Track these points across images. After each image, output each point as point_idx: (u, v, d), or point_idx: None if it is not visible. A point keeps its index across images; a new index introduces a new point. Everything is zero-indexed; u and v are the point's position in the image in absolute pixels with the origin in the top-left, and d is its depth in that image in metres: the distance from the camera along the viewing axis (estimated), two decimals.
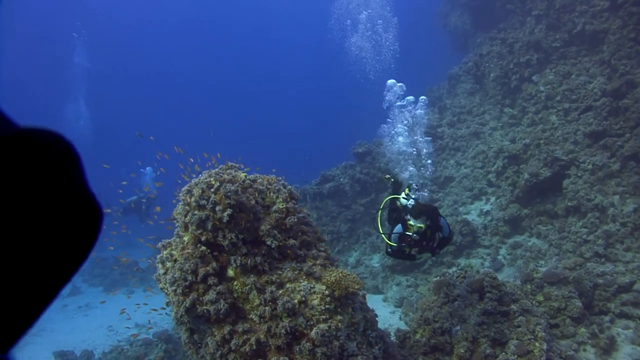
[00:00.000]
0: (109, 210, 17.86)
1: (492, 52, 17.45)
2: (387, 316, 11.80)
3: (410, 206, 6.23)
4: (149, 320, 14.13)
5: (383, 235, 6.48)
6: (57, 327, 18.22)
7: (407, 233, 6.02)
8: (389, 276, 13.79)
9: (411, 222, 5.88)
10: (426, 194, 7.20)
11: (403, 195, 6.94)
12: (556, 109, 14.35)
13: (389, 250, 6.44)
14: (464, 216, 13.98)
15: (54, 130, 0.66)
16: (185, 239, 4.83)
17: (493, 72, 17.15)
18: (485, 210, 14.09)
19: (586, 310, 9.29)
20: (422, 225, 5.80)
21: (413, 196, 6.71)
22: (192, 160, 5.84)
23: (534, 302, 8.97)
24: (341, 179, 16.98)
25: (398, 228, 6.22)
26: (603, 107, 12.58)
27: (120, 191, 15.45)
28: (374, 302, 13.47)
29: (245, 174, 5.17)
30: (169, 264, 4.80)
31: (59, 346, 14.78)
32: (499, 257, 12.44)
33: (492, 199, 14.34)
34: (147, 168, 19.34)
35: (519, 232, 12.93)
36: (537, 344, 7.17)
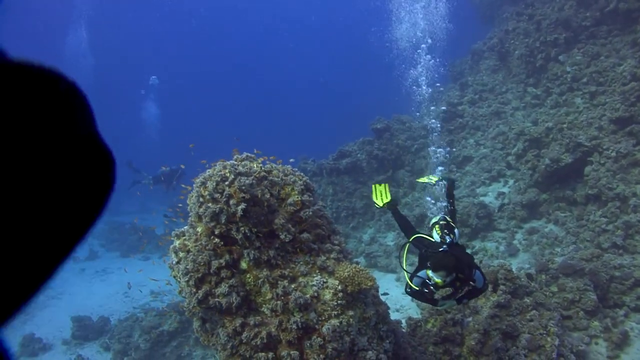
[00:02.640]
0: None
1: (518, 29, 16.91)
2: (400, 297, 11.81)
3: (432, 255, 5.11)
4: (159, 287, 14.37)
5: (405, 272, 5.55)
6: (76, 291, 18.67)
7: (428, 282, 5.09)
8: (402, 255, 13.77)
9: (429, 273, 4.93)
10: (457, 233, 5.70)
11: (435, 232, 5.65)
12: (582, 91, 13.94)
13: (408, 290, 5.49)
14: (481, 198, 13.82)
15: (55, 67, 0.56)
16: (199, 230, 4.81)
17: (518, 50, 16.67)
18: (503, 193, 13.89)
19: (601, 302, 9.19)
20: (438, 281, 4.82)
21: (448, 239, 5.41)
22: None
23: (547, 293, 8.90)
24: (358, 155, 16.86)
25: (423, 273, 5.20)
26: (632, 91, 12.16)
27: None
28: (387, 281, 13.52)
29: (261, 165, 5.09)
30: (182, 254, 4.80)
31: (76, 310, 15.15)
32: (515, 242, 12.32)
33: (511, 181, 14.13)
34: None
35: (536, 217, 12.76)
36: (549, 339, 7.13)
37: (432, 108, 16.00)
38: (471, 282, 5.05)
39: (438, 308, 5.43)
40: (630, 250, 10.27)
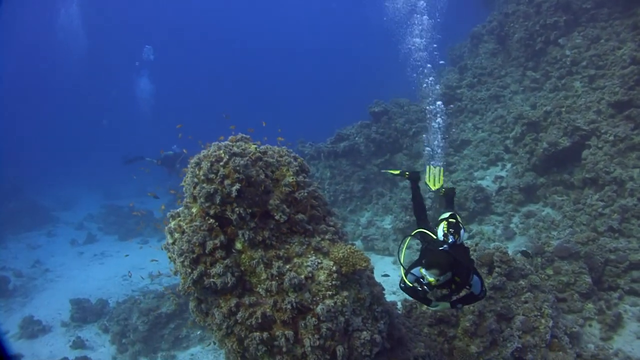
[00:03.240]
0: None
1: (518, 12, 16.78)
2: (396, 279, 11.87)
3: (429, 252, 4.96)
4: (159, 272, 14.44)
5: (402, 267, 5.23)
6: (74, 274, 18.75)
7: (422, 280, 4.94)
8: (399, 239, 13.83)
9: (422, 271, 4.79)
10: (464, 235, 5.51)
11: (441, 229, 5.41)
12: (581, 75, 13.90)
13: (402, 285, 5.27)
14: (479, 182, 13.83)
15: None
16: (194, 210, 4.80)
17: (517, 33, 16.56)
18: (500, 176, 13.91)
19: (595, 285, 9.26)
20: (431, 280, 4.67)
21: (451, 239, 5.19)
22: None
23: (543, 275, 8.95)
24: (356, 138, 16.84)
25: (417, 270, 5.05)
26: (631, 75, 12.12)
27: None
28: (384, 264, 13.59)
29: (256, 146, 5.07)
30: (177, 235, 4.80)
31: (75, 293, 15.25)
32: (512, 225, 12.37)
33: (508, 165, 14.14)
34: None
35: (533, 200, 12.79)
36: (543, 321, 7.19)
37: (437, 87, 15.96)
38: (467, 287, 4.87)
39: (431, 309, 5.14)
40: (626, 234, 10.31)
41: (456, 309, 4.99)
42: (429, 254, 4.82)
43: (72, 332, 13.51)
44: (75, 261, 20.55)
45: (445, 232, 5.29)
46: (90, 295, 15.35)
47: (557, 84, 14.55)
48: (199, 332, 12.38)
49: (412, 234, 5.80)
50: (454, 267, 4.65)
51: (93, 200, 31.64)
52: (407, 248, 5.80)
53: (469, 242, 10.88)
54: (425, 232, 5.59)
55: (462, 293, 5.13)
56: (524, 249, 10.15)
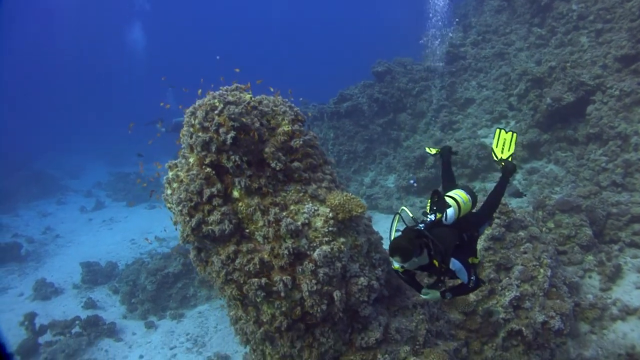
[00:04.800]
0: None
1: None
2: None
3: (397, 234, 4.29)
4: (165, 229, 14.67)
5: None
6: (84, 240, 19.07)
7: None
8: (403, 197, 13.90)
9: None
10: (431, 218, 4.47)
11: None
12: (588, 29, 13.63)
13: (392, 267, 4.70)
14: (482, 139, 13.77)
15: None
16: (191, 160, 4.86)
17: None
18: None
19: (596, 238, 9.31)
20: (395, 267, 4.31)
21: (431, 217, 4.45)
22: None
23: (544, 229, 9.00)
24: (359, 99, 16.74)
25: None
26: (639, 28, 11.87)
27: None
28: (387, 222, 13.70)
29: (251, 95, 5.08)
30: (175, 185, 4.87)
31: (85, 257, 15.54)
32: (515, 182, 12.37)
33: (512, 122, 14.04)
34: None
35: (536, 157, 12.75)
36: (541, 271, 7.27)
37: (451, 35, 15.74)
38: (448, 274, 4.29)
39: (421, 296, 4.41)
40: (629, 188, 10.30)
41: (445, 298, 4.37)
42: (392, 241, 4.17)
43: (83, 294, 13.85)
44: (85, 227, 20.89)
45: (429, 208, 4.57)
46: (100, 258, 15.66)
47: (563, 40, 14.29)
48: (205, 292, 12.65)
49: (400, 211, 4.78)
50: (422, 251, 4.07)
51: (101, 168, 31.94)
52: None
53: None
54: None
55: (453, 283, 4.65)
56: (517, 188, 10.16)
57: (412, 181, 13.70)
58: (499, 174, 11.90)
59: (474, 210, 4.84)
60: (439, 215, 4.37)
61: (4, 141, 33.88)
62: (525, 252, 7.51)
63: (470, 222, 4.64)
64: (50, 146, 37.96)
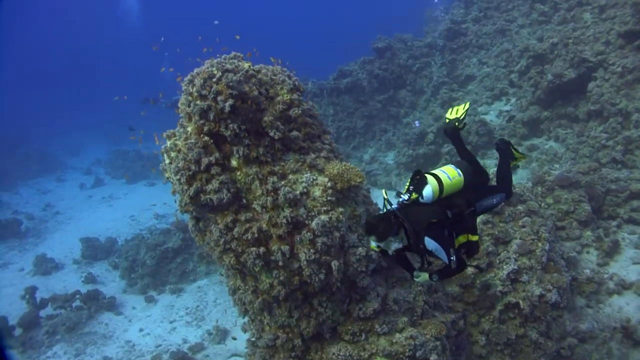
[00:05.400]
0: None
1: None
2: None
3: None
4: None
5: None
6: (83, 216, 19.12)
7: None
8: (402, 173, 13.90)
9: None
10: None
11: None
12: (591, 5, 13.46)
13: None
14: (482, 116, 13.71)
15: None
16: (189, 129, 4.83)
17: None
18: (504, 110, 13.76)
19: (595, 214, 9.32)
20: (372, 246, 4.18)
21: (404, 197, 4.16)
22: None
23: (542, 204, 9.01)
24: (359, 75, 16.62)
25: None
26: None
27: None
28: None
29: (250, 64, 5.03)
30: (173, 154, 4.85)
31: (85, 234, 15.62)
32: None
33: (513, 99, 13.96)
34: None
35: (536, 134, 12.70)
36: (539, 244, 7.30)
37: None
38: (428, 257, 4.12)
39: (414, 279, 4.24)
40: (629, 165, 10.26)
41: (433, 281, 4.14)
42: (371, 217, 4.26)
43: (83, 269, 13.93)
44: (85, 204, 20.91)
45: (407, 187, 4.30)
46: (99, 234, 15.71)
47: (566, 16, 14.12)
48: (204, 267, 12.72)
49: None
50: (398, 230, 3.92)
51: (100, 146, 31.84)
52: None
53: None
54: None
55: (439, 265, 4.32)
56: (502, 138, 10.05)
57: (416, 123, 13.59)
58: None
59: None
60: (414, 195, 4.11)
61: (4, 119, 33.78)
62: (523, 226, 7.53)
63: (465, 199, 4.29)
64: (50, 124, 37.81)
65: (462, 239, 4.18)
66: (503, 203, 6.64)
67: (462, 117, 4.73)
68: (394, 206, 4.11)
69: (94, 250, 14.58)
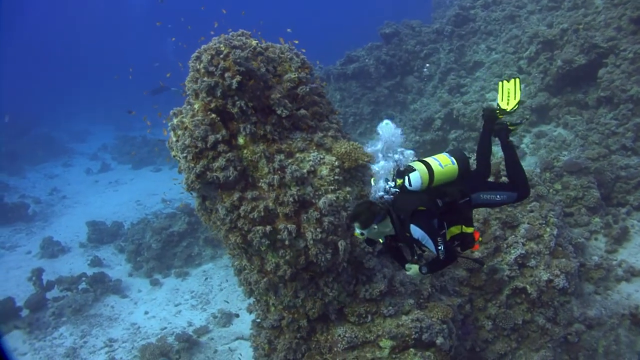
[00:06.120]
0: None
1: None
2: None
3: None
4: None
5: None
6: (90, 201, 19.20)
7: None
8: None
9: None
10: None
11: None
12: None
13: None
14: (490, 102, 13.56)
15: None
16: (196, 106, 4.77)
17: None
18: None
19: (604, 201, 9.23)
20: (355, 233, 3.96)
21: (388, 185, 3.94)
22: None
23: (551, 190, 8.92)
24: (366, 60, 16.47)
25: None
26: None
27: None
28: None
29: (257, 41, 4.95)
30: (179, 132, 4.79)
31: (91, 218, 15.66)
32: (522, 145, 12.23)
33: (521, 86, 13.77)
34: None
35: (545, 121, 12.57)
36: (547, 229, 7.23)
37: None
38: (415, 246, 3.88)
39: (406, 272, 4.04)
40: (639, 152, 10.14)
41: (422, 274, 3.91)
42: (357, 203, 4.14)
43: (89, 252, 14.00)
44: (91, 189, 20.99)
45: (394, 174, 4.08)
46: (105, 219, 15.76)
47: (577, 2, 13.87)
48: (210, 251, 12.73)
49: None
50: (383, 218, 3.77)
51: (107, 132, 31.89)
52: None
53: None
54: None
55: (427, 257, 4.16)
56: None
57: (425, 69, 13.38)
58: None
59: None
60: (399, 181, 3.91)
61: (11, 105, 33.86)
62: (531, 211, 7.46)
63: (459, 188, 4.02)
64: (57, 110, 37.87)
65: (455, 230, 3.96)
66: (514, 203, 6.43)
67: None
68: (380, 193, 3.92)
69: (100, 234, 14.63)
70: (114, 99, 37.95)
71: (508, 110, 4.33)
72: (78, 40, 62.16)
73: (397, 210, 3.75)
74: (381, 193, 3.90)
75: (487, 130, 4.36)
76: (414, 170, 3.88)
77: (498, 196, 4.17)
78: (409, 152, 4.02)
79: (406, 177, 3.86)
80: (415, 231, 3.62)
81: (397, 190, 3.87)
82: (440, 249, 3.60)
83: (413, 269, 3.95)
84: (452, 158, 4.04)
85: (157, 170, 22.64)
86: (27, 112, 32.67)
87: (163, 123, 5.25)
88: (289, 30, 5.50)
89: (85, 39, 61.97)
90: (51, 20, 61.71)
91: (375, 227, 3.76)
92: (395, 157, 4.00)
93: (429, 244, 3.65)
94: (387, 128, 3.93)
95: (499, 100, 4.54)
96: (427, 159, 4.00)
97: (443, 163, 3.97)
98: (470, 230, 3.97)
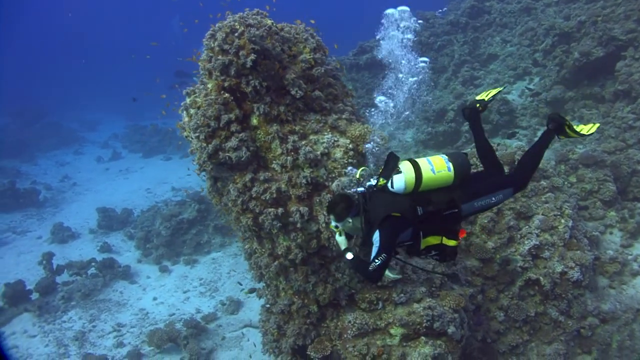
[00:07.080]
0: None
1: None
2: None
3: None
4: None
5: None
6: (100, 188, 19.27)
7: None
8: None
9: None
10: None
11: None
12: None
13: None
14: (504, 95, 13.39)
15: None
16: (209, 85, 4.71)
17: None
18: (527, 89, 13.42)
19: (620, 195, 9.06)
20: (332, 227, 3.91)
21: (370, 181, 3.89)
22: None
23: (565, 183, 8.78)
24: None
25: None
26: None
27: None
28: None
29: (272, 21, 4.87)
30: (192, 111, 4.74)
31: (101, 204, 15.70)
32: (536, 139, 12.03)
33: (536, 79, 13.60)
34: None
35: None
36: (562, 221, 7.10)
37: None
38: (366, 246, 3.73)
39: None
40: None
41: (345, 259, 3.81)
42: (336, 194, 4.08)
43: (99, 238, 14.04)
44: (102, 176, 21.08)
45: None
46: (116, 206, 15.80)
47: None
48: (219, 239, 12.72)
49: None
50: (358, 213, 3.68)
51: (118, 122, 32.02)
52: None
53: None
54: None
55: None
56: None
57: (439, 12, 13.14)
58: (521, 131, 11.48)
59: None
60: (381, 181, 3.71)
61: (23, 93, 34.07)
62: (546, 202, 7.33)
63: (449, 197, 3.71)
64: (68, 99, 38.06)
65: (432, 240, 3.72)
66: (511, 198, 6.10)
67: (487, 99, 4.23)
68: (362, 189, 3.80)
69: (109, 221, 14.67)
70: (125, 88, 38.08)
71: (485, 99, 4.26)
72: (86, 28, 62.43)
73: (371, 211, 3.60)
74: (361, 189, 3.79)
75: (476, 127, 4.23)
76: (399, 172, 3.65)
77: (493, 198, 3.92)
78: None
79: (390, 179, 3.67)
80: (376, 235, 3.49)
81: (377, 189, 3.72)
82: (375, 262, 3.41)
83: (345, 246, 3.81)
84: (450, 164, 3.72)
85: (167, 159, 22.68)
86: (38, 99, 32.87)
87: (172, 112, 5.20)
88: (312, 21, 5.32)
89: (96, 26, 62.17)
90: (59, 8, 61.89)
91: (350, 221, 3.68)
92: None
93: (374, 250, 3.47)
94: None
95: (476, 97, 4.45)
96: (420, 161, 3.71)
97: (437, 168, 3.67)
98: (451, 243, 3.72)
